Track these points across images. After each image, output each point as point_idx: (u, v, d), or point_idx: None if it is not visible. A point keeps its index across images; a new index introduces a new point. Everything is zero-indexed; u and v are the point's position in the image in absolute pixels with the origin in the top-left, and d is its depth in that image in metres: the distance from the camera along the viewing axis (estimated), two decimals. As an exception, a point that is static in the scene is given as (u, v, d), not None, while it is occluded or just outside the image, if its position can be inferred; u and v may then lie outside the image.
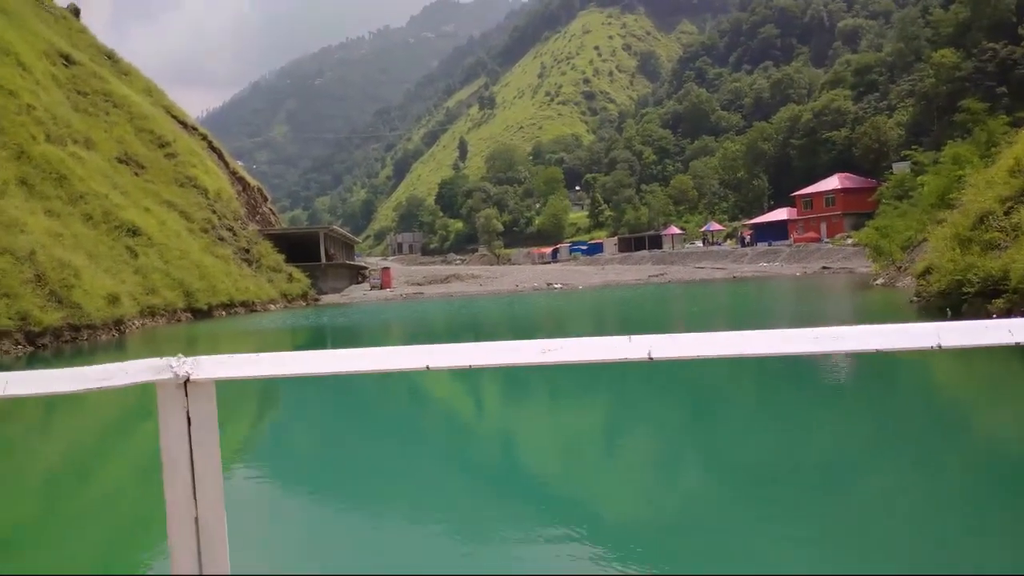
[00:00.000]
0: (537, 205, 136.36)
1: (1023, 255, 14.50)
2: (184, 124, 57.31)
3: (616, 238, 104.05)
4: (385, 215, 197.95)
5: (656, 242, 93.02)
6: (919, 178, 39.36)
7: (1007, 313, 15.58)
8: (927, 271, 20.91)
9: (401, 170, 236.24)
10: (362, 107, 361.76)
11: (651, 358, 1.33)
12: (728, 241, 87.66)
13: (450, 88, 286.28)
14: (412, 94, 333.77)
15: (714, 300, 34.34)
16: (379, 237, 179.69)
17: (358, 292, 59.06)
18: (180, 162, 47.78)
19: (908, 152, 48.59)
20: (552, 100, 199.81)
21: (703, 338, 1.37)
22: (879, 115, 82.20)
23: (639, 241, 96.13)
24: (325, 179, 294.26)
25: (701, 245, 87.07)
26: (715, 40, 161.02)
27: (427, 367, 1.38)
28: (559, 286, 54.27)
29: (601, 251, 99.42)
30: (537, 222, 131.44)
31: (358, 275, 68.49)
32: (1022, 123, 32.77)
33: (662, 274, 59.83)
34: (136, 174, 42.53)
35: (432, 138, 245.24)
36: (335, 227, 71.47)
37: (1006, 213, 18.48)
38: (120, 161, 41.65)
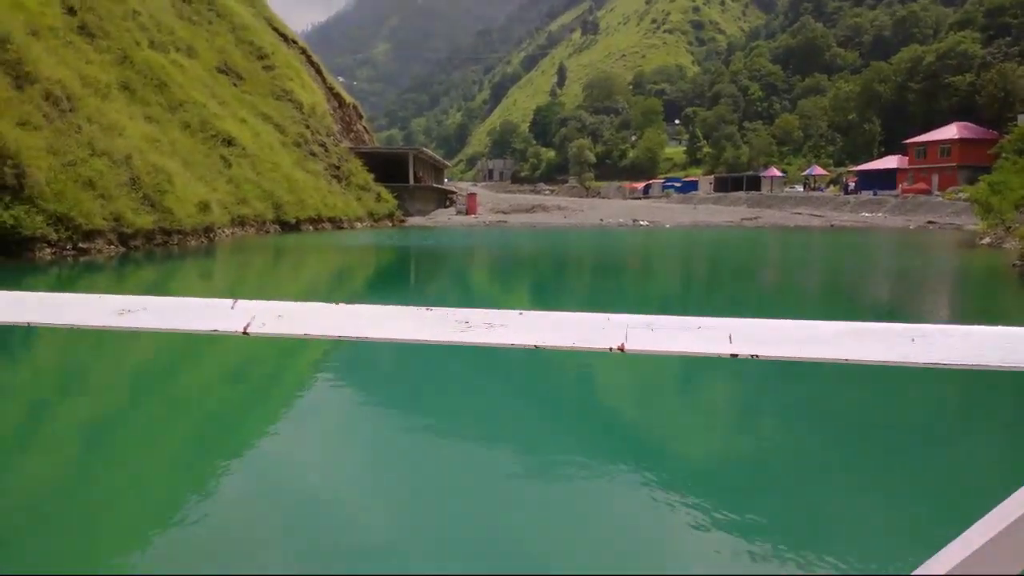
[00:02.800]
0: (633, 137, 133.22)
1: None
2: (284, 37, 57.96)
3: (712, 176, 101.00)
4: (479, 140, 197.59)
5: (754, 183, 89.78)
6: (1046, 132, 36.37)
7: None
8: (1034, 234, 19.52)
9: (498, 94, 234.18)
10: (465, 27, 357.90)
11: (734, 355, 1.02)
12: (831, 187, 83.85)
13: (554, 11, 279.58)
14: (515, 16, 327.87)
15: (805, 251, 33.07)
16: (471, 162, 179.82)
17: (443, 216, 59.55)
18: (278, 75, 48.53)
19: (1037, 103, 44.83)
20: (658, 28, 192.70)
21: (803, 328, 1.04)
22: (1009, 61, 75.89)
23: (736, 181, 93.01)
24: (423, 99, 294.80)
25: (801, 189, 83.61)
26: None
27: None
28: (645, 223, 53.28)
29: (695, 189, 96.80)
30: (631, 155, 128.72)
31: (445, 199, 68.93)
32: None
33: (756, 217, 57.89)
34: (234, 84, 43.44)
35: (531, 62, 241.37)
36: (425, 149, 71.74)
37: None
38: (220, 71, 42.58)
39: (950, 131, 70.70)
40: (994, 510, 1.07)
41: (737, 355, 1.03)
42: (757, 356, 1.02)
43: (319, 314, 1.21)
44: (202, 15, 44.94)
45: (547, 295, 16.95)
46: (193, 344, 9.21)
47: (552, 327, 1.12)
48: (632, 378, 8.63)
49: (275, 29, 56.71)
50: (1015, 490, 1.06)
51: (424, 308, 1.19)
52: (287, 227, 36.39)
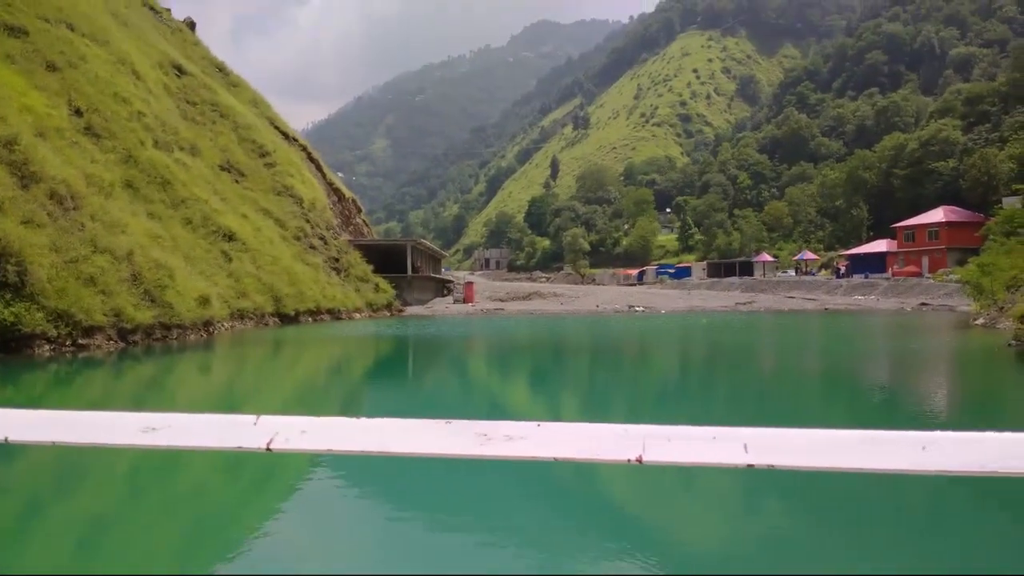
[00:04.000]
0: (626, 226, 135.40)
1: None
2: (285, 135, 59.62)
3: (705, 262, 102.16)
4: (475, 230, 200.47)
5: (747, 268, 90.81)
6: (1030, 214, 37.10)
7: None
8: (1028, 313, 19.74)
9: (493, 187, 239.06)
10: (460, 124, 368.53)
11: (750, 465, 1.03)
12: (822, 271, 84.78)
13: (546, 107, 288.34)
14: (509, 112, 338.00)
15: (802, 335, 33.20)
16: (468, 252, 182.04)
17: (441, 305, 59.86)
18: (278, 171, 49.67)
19: (1019, 186, 45.91)
20: (647, 121, 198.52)
21: (816, 437, 1.04)
22: (990, 147, 78.13)
23: (729, 267, 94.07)
24: (420, 193, 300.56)
25: (793, 274, 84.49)
26: (819, 65, 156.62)
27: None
28: (640, 309, 53.58)
29: (689, 275, 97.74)
30: (625, 243, 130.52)
31: (443, 288, 69.45)
32: None
33: (751, 302, 58.28)
34: (236, 181, 44.41)
35: (525, 156, 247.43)
36: (423, 240, 72.75)
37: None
38: (222, 168, 43.60)
39: (937, 215, 72.11)
40: None
41: (753, 465, 1.03)
42: (773, 466, 1.02)
43: (341, 428, 1.22)
44: (206, 115, 46.35)
45: (550, 386, 16.96)
46: (212, 460, 9.13)
47: (570, 439, 1.14)
48: (650, 488, 8.54)
49: (276, 128, 58.39)
50: None
51: (443, 421, 1.20)
52: (286, 319, 36.54)
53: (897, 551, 6.06)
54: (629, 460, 1.07)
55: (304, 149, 61.68)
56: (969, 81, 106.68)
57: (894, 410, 14.04)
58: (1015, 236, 36.93)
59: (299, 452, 1.20)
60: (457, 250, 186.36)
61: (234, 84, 58.75)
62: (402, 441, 1.19)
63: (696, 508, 7.94)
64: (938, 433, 1.04)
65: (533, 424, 1.16)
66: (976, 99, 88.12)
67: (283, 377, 18.38)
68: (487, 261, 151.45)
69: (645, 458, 1.06)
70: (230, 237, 35.85)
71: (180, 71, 47.43)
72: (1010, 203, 50.98)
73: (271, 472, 8.99)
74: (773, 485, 7.65)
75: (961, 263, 48.01)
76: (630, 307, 55.04)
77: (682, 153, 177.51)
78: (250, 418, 1.23)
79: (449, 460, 1.14)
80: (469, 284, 67.63)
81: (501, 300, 62.94)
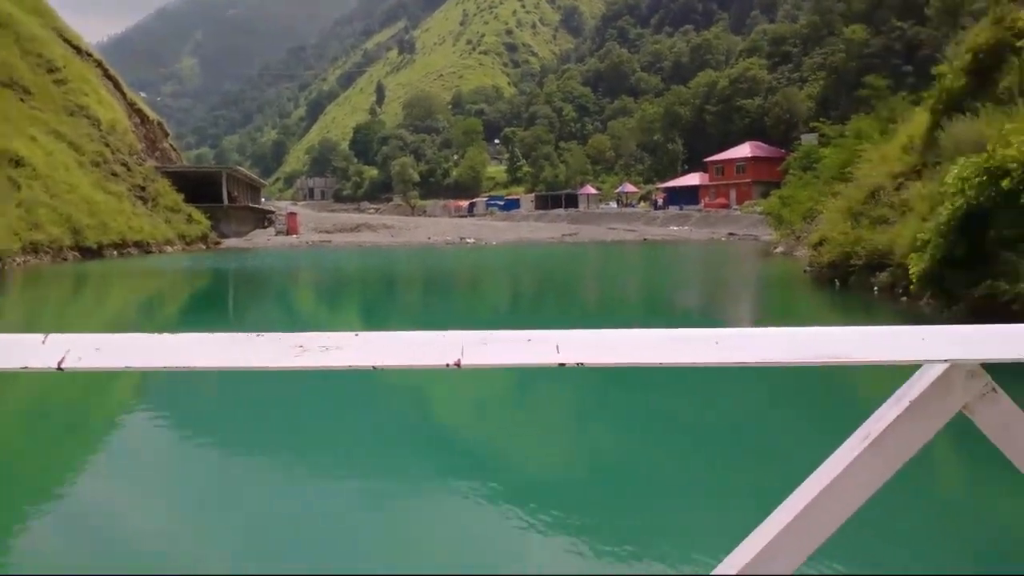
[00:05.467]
0: (455, 156, 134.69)
1: (909, 231, 14.97)
2: (78, 49, 53.54)
3: (533, 195, 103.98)
4: (296, 158, 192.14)
5: (572, 201, 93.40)
6: (823, 150, 40.43)
7: (890, 287, 16.14)
8: (820, 242, 21.57)
9: (315, 112, 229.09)
10: (276, 43, 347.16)
11: (562, 364, 1.08)
12: (642, 203, 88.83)
13: (369, 29, 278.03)
14: (329, 33, 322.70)
15: (621, 264, 34.74)
16: (289, 181, 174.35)
17: (262, 237, 57.20)
18: (71, 89, 44.71)
19: (816, 124, 49.88)
20: (474, 49, 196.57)
21: (622, 336, 1.11)
22: (792, 86, 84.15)
23: (555, 199, 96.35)
24: (234, 117, 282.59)
25: (616, 206, 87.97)
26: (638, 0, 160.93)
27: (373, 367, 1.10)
28: (472, 241, 53.89)
29: (518, 207, 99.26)
30: (455, 174, 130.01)
31: (264, 219, 66.28)
32: (921, 102, 33.86)
33: (575, 233, 60.16)
34: (22, 100, 39.57)
35: (348, 80, 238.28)
36: (239, 168, 68.76)
37: (896, 189, 19.12)
38: (3, 85, 38.63)
39: (744, 150, 77.22)
40: (779, 507, 1.15)
41: (564, 364, 1.09)
42: (583, 364, 1.09)
43: (141, 345, 1.12)
44: (-22, 23, 40.63)
45: (381, 315, 16.64)
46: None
47: (389, 347, 1.12)
48: (470, 391, 8.66)
49: (66, 40, 52.23)
50: (800, 483, 1.16)
51: (254, 334, 1.13)
52: (88, 253, 33.48)
53: (685, 438, 6.68)
54: (448, 364, 1.08)
55: (100, 65, 55.78)
56: (774, 22, 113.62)
57: (698, 321, 15.16)
58: (811, 171, 40.18)
59: (94, 370, 1.11)
60: (277, 179, 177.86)
61: (12, -12, 51.71)
62: (209, 355, 1.11)
63: (511, 410, 8.24)
64: (732, 329, 1.14)
65: (351, 334, 1.13)
66: (780, 40, 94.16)
67: (83, 314, 16.84)
68: (311, 191, 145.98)
69: (463, 362, 1.09)
70: (17, 162, 32.08)
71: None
72: (808, 140, 55.40)
73: (64, 393, 8.22)
74: (585, 382, 8.14)
75: (766, 195, 51.81)
76: (461, 239, 55.20)
77: (509, 83, 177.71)
78: (38, 337, 1.13)
79: (262, 373, 1.10)
80: (292, 215, 64.93)
81: (328, 232, 61.05)
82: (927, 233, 13.03)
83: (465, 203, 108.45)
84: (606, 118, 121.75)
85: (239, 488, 5.54)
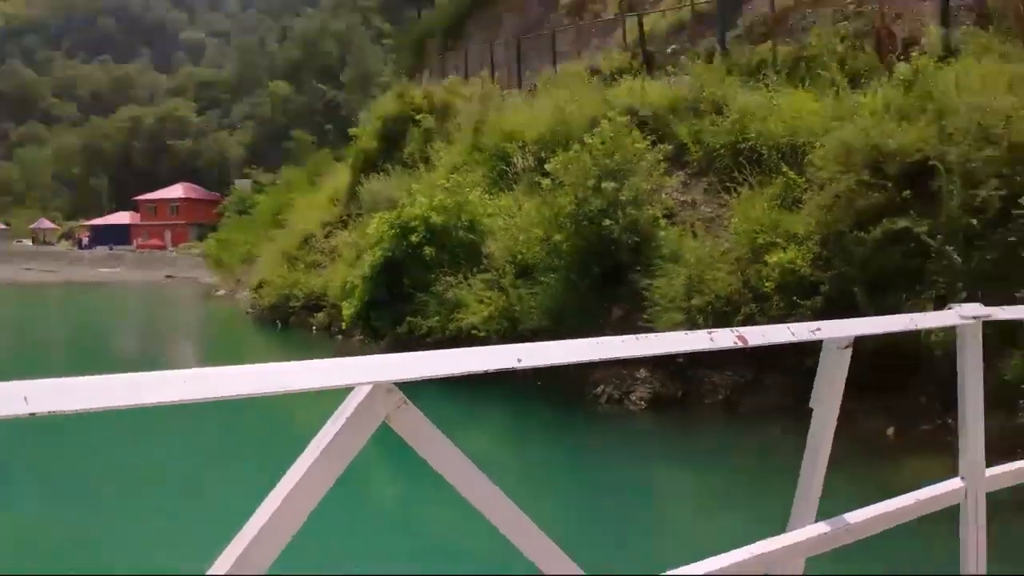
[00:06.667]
0: None
1: (339, 275, 17.49)
2: None
3: None
4: None
5: (-30, 237, 79.43)
6: (258, 196, 42.58)
7: (327, 326, 18.37)
8: (261, 285, 23.25)
9: None
10: None
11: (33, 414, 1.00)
12: (63, 242, 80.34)
13: None
14: None
15: (50, 311, 31.57)
16: None
17: None
18: None
19: (248, 170, 52.14)
20: None
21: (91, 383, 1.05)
22: (223, 131, 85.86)
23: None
24: None
25: (31, 244, 78.02)
26: (47, 19, 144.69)
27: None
28: None
29: None
30: None
31: None
32: (343, 159, 38.20)
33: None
34: None
35: None
36: None
37: (326, 236, 21.90)
38: None
39: (177, 191, 76.01)
40: (256, 511, 1.25)
41: (35, 413, 0.99)
42: (54, 412, 1.01)
43: None
44: None
45: None
46: None
47: None
48: None
49: None
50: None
51: None
52: None
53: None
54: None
55: None
56: (200, 66, 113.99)
57: (146, 365, 15.28)
58: (247, 215, 41.98)
59: None
60: None
61: None
62: None
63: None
64: (166, 372, 1.11)
65: None
66: (208, 84, 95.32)
67: None
68: None
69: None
70: None
71: None
72: (243, 184, 57.44)
73: None
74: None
75: (202, 238, 51.92)
76: None
77: None
78: None
79: None
80: None
81: None
82: (355, 278, 15.42)
83: None
84: (12, 145, 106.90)
85: None
